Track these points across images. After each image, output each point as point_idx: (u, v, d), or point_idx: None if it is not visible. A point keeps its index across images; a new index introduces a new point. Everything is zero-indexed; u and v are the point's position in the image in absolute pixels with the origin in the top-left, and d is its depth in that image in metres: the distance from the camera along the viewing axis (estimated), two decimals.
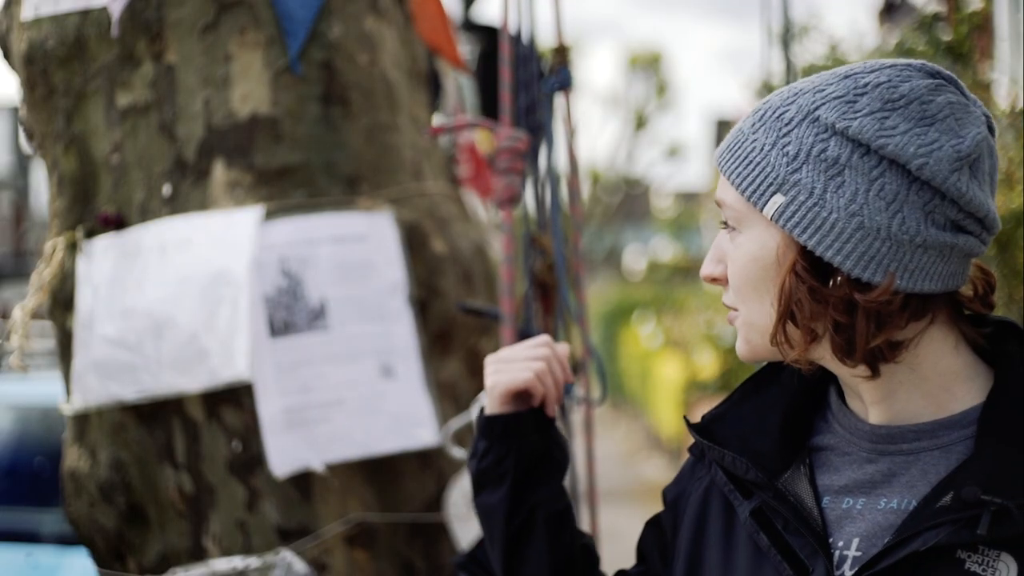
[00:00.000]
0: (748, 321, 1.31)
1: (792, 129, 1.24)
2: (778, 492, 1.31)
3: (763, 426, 1.37)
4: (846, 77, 1.24)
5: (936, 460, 1.26)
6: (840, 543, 1.27)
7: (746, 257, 1.29)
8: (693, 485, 1.46)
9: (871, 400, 1.30)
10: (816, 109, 1.23)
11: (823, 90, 1.24)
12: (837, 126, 1.21)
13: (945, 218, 1.21)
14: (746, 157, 1.27)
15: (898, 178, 1.20)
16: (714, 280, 1.34)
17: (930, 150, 1.19)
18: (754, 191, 1.25)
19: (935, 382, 1.28)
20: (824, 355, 1.28)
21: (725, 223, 1.33)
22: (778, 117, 1.26)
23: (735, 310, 1.34)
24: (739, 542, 1.36)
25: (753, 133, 1.27)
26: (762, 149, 1.25)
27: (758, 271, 1.28)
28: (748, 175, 1.26)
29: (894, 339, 1.23)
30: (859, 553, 1.25)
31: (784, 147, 1.24)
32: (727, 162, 1.29)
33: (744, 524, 1.34)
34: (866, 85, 1.22)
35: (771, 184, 1.24)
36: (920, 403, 1.28)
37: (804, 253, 1.23)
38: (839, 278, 1.22)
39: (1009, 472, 1.19)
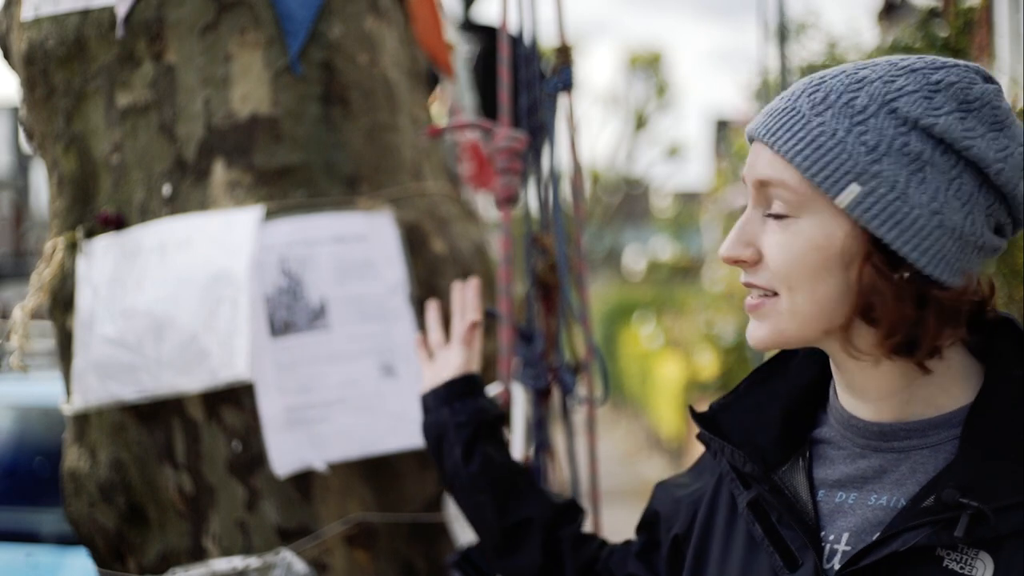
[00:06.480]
0: (791, 309, 1.26)
1: (868, 118, 1.21)
2: (774, 485, 1.32)
3: (764, 418, 1.38)
4: (912, 71, 1.24)
5: (925, 459, 1.27)
6: (831, 536, 1.29)
7: (808, 244, 1.24)
8: (711, 475, 1.48)
9: (876, 396, 1.29)
10: (892, 101, 1.22)
11: (892, 81, 1.23)
12: (921, 122, 1.21)
13: (997, 221, 1.25)
14: (813, 140, 1.22)
15: (973, 180, 1.22)
16: (738, 262, 1.29)
17: (1005, 156, 1.22)
18: (827, 177, 1.21)
19: (938, 381, 1.28)
20: (860, 345, 1.25)
21: (770, 210, 1.27)
22: (847, 104, 1.22)
23: (768, 295, 1.28)
24: (738, 532, 1.38)
25: (817, 116, 1.23)
26: (834, 134, 1.22)
27: (819, 260, 1.23)
28: (820, 160, 1.22)
29: (957, 335, 1.24)
30: (848, 548, 1.27)
31: (861, 135, 1.21)
32: (785, 142, 1.24)
33: (742, 514, 1.36)
34: (939, 83, 1.22)
35: (848, 173, 1.21)
36: (918, 401, 1.28)
37: (878, 246, 1.21)
38: (907, 274, 1.22)
39: (988, 475, 1.20)
